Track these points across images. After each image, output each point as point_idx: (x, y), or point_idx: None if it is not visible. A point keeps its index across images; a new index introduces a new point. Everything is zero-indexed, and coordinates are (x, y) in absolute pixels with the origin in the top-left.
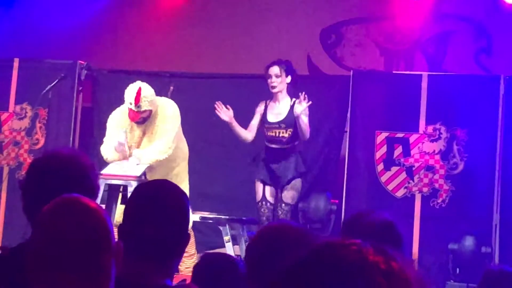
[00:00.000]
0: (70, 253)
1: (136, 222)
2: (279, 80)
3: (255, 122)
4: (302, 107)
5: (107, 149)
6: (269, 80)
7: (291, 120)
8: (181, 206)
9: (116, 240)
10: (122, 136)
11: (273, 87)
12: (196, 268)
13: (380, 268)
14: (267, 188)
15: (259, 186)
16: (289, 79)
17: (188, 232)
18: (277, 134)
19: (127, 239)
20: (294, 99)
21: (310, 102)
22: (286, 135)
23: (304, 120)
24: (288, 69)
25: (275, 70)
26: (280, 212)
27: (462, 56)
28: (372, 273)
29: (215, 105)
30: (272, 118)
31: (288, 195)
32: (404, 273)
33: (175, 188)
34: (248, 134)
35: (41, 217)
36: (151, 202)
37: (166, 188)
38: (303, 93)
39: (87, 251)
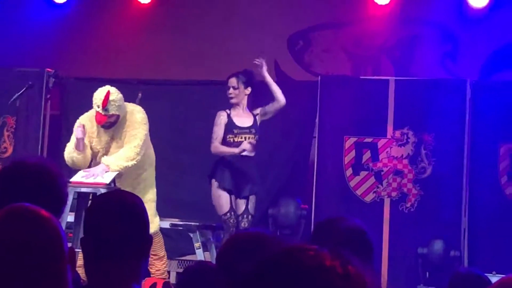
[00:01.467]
0: (21, 263)
1: (96, 232)
2: (236, 92)
3: (221, 132)
4: (264, 66)
5: (68, 152)
6: (228, 92)
7: (257, 127)
8: (137, 210)
9: (69, 246)
10: (79, 131)
11: (231, 98)
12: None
13: (337, 272)
14: (233, 198)
15: (225, 197)
16: (248, 90)
17: (150, 234)
18: (246, 139)
19: (89, 249)
20: (257, 111)
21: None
22: (254, 141)
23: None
24: (248, 81)
25: (232, 82)
26: (245, 223)
27: (429, 60)
28: (329, 277)
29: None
30: (240, 123)
31: (253, 206)
32: (361, 276)
33: (130, 194)
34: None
35: None
36: (108, 210)
37: (120, 195)
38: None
39: (40, 260)
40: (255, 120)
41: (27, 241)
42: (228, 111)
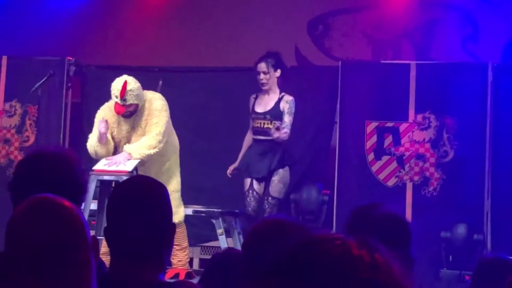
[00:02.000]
0: (46, 253)
1: (119, 220)
2: (267, 77)
3: (250, 118)
4: (278, 134)
5: (91, 144)
6: (258, 77)
7: (276, 112)
8: (161, 198)
9: (92, 235)
10: (102, 126)
11: (263, 84)
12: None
13: (365, 261)
14: (254, 181)
15: (246, 178)
16: (278, 72)
17: (173, 222)
18: (262, 125)
19: (113, 238)
20: (282, 94)
21: (287, 132)
22: (270, 126)
23: (286, 120)
24: (277, 63)
25: (262, 67)
26: (266, 206)
27: (450, 44)
28: (357, 266)
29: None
30: (259, 108)
31: (275, 189)
32: (388, 265)
33: (153, 182)
34: (248, 137)
35: (11, 221)
36: (130, 198)
37: (144, 182)
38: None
39: (65, 249)
40: (276, 104)
41: (51, 231)
42: (257, 94)
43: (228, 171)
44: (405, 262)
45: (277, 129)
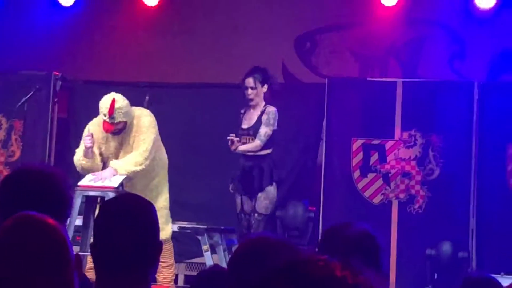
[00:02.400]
0: (29, 272)
1: (105, 237)
2: (255, 92)
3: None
4: (233, 147)
5: (77, 158)
6: (245, 92)
7: (258, 126)
8: (149, 215)
9: (75, 253)
10: (87, 140)
11: (250, 100)
12: (193, 286)
13: (348, 283)
14: (244, 199)
15: (237, 198)
16: (265, 88)
17: (160, 240)
18: (247, 141)
19: (99, 255)
20: (266, 106)
21: (239, 145)
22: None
23: (261, 131)
24: (264, 78)
25: (249, 82)
26: (253, 222)
27: (436, 61)
28: (340, 287)
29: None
30: (244, 124)
31: (262, 205)
32: (370, 286)
33: (140, 199)
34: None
35: None
36: (117, 215)
37: (132, 200)
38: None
39: (47, 268)
40: (258, 118)
41: (34, 249)
42: (243, 111)
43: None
44: (380, 278)
45: (232, 142)
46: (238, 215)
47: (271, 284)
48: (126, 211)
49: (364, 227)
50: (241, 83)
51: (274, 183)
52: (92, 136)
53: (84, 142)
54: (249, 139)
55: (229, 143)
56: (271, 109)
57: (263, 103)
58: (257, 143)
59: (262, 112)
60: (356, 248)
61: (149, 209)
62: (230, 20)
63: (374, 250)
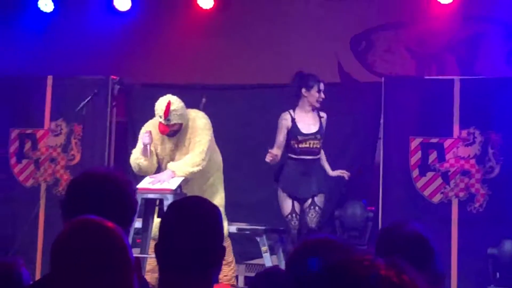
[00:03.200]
0: (90, 276)
1: (171, 238)
2: (323, 96)
3: (282, 138)
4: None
5: (134, 157)
6: (317, 95)
7: (322, 131)
8: (214, 219)
9: (135, 256)
10: (145, 137)
11: (319, 102)
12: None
13: (392, 281)
14: (295, 202)
15: (287, 200)
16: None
17: (223, 245)
18: (311, 145)
19: (164, 255)
20: (321, 114)
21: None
22: (318, 145)
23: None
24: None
25: (322, 86)
26: (313, 214)
27: (494, 58)
28: (384, 286)
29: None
30: (305, 129)
31: (321, 200)
32: (415, 285)
33: (207, 203)
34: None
35: (55, 243)
36: (185, 218)
37: (198, 203)
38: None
39: (107, 270)
40: (321, 124)
41: (93, 252)
42: (292, 113)
43: (268, 157)
44: (432, 278)
45: (272, 156)
46: (288, 216)
47: (320, 283)
48: (193, 213)
49: (416, 228)
50: (312, 84)
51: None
52: (150, 133)
53: (142, 139)
54: (314, 144)
55: (270, 160)
56: (325, 115)
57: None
58: (322, 153)
59: (320, 117)
60: (408, 248)
61: (215, 213)
62: (285, 20)
63: (424, 251)
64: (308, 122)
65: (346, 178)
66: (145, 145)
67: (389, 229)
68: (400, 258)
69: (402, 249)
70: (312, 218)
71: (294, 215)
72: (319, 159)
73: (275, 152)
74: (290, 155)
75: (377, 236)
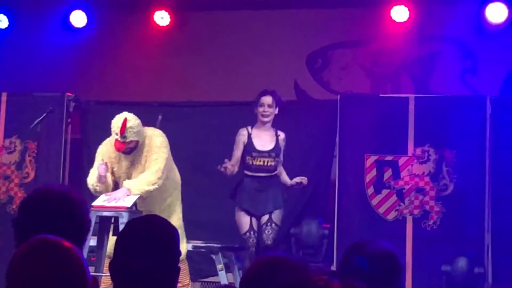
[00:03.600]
0: None
1: (127, 256)
2: (271, 110)
3: (239, 153)
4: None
5: (90, 182)
6: (261, 109)
7: (278, 150)
8: (170, 240)
9: (92, 275)
10: (101, 168)
11: (266, 116)
12: None
13: None
14: (253, 219)
15: (244, 217)
16: (276, 110)
17: (178, 265)
18: (265, 163)
19: (118, 274)
20: (277, 131)
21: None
22: (273, 163)
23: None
24: (277, 101)
25: (268, 99)
26: (270, 231)
27: (448, 77)
28: None
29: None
30: (260, 146)
31: (277, 217)
32: None
33: (164, 223)
34: (234, 168)
35: (11, 263)
36: (141, 236)
37: (155, 222)
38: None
39: None
40: (277, 142)
41: (51, 272)
42: (250, 130)
43: (222, 167)
44: None
45: (225, 168)
46: (246, 234)
47: None
48: (149, 233)
49: (385, 245)
50: (257, 99)
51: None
52: (106, 165)
53: (98, 170)
54: (268, 162)
55: (223, 170)
56: (284, 135)
57: (271, 126)
58: (282, 169)
59: (277, 136)
60: (377, 265)
61: (171, 233)
62: (241, 38)
63: (394, 268)
64: (264, 139)
65: (305, 183)
66: (101, 176)
67: (357, 245)
68: (373, 276)
69: (373, 266)
70: (269, 234)
71: (252, 232)
72: (275, 175)
73: (231, 163)
74: (246, 171)
75: (343, 253)
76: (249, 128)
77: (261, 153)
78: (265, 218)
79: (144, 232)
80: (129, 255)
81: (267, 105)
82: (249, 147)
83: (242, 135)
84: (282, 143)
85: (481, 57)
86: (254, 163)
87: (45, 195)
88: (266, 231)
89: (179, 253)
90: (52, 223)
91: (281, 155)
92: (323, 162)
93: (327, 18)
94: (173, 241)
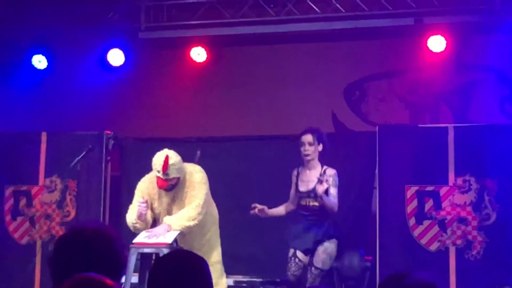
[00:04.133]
0: None
1: None
2: (312, 149)
3: (293, 191)
4: (323, 188)
5: (130, 219)
6: (302, 148)
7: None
8: (201, 271)
9: None
10: (142, 206)
11: (307, 155)
12: None
13: None
14: (298, 251)
15: (291, 249)
16: (320, 147)
17: None
18: (308, 203)
19: None
20: (324, 167)
21: (330, 182)
22: (316, 204)
23: (332, 192)
24: (320, 137)
25: (308, 138)
26: (309, 276)
27: (487, 105)
28: None
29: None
30: (303, 187)
31: (319, 259)
32: None
33: (194, 256)
34: (283, 208)
35: None
36: (172, 271)
37: (184, 256)
38: (325, 174)
39: None
40: (318, 181)
41: None
42: (299, 169)
43: (254, 211)
44: None
45: (320, 182)
46: (289, 259)
47: None
48: (179, 267)
49: (423, 276)
50: (298, 138)
51: (333, 239)
52: (147, 202)
53: (139, 208)
54: (310, 202)
55: (256, 211)
56: (333, 171)
57: (319, 164)
58: (334, 202)
59: (323, 174)
60: None
61: (202, 265)
62: (278, 72)
63: None
64: (307, 179)
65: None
66: (141, 214)
67: (394, 277)
68: None
69: None
70: (309, 279)
71: (293, 258)
72: (321, 215)
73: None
74: (297, 209)
75: (380, 284)
76: (300, 168)
77: (302, 194)
78: (307, 260)
79: (174, 267)
80: None
81: (308, 144)
82: (296, 188)
83: (294, 175)
84: (329, 179)
85: None
86: (301, 203)
87: (80, 233)
88: (307, 276)
89: (211, 284)
90: (87, 260)
91: (330, 190)
92: (364, 194)
93: (363, 49)
94: (203, 272)
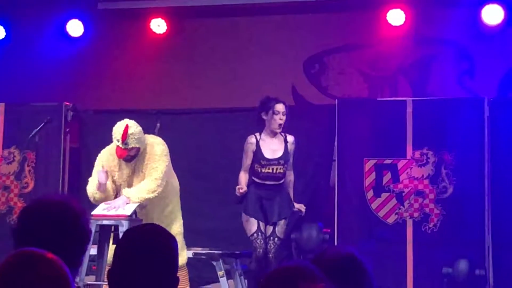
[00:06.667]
0: None
1: (125, 265)
2: (284, 118)
3: (249, 161)
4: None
5: (90, 190)
6: (276, 116)
7: (287, 156)
8: (169, 249)
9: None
10: (101, 176)
11: (280, 125)
12: None
13: None
14: (261, 222)
15: (252, 220)
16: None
17: (177, 276)
18: (274, 171)
19: (118, 283)
20: (284, 135)
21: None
22: (282, 171)
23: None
24: (286, 108)
25: (281, 108)
26: (272, 246)
27: (446, 79)
28: None
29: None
30: (269, 154)
31: (281, 230)
32: None
33: (162, 231)
34: (244, 178)
35: None
36: (139, 246)
37: (153, 231)
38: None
39: None
40: (286, 148)
41: (33, 282)
42: (258, 137)
43: (237, 192)
44: None
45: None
46: (254, 235)
47: None
48: (148, 241)
49: (341, 248)
50: (271, 107)
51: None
52: (106, 173)
53: (98, 177)
54: (277, 169)
55: (239, 192)
56: (292, 138)
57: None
58: (292, 175)
59: (286, 142)
60: (342, 269)
61: (170, 242)
62: (238, 44)
63: (360, 271)
64: (272, 147)
65: (303, 211)
66: (101, 184)
67: (315, 257)
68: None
69: (336, 270)
70: (271, 249)
71: (259, 234)
72: (282, 183)
73: (243, 182)
74: (253, 178)
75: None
76: (257, 135)
77: (270, 161)
78: (269, 230)
79: (142, 241)
80: (127, 264)
81: (282, 113)
82: (257, 154)
83: (251, 143)
84: (291, 147)
85: (478, 59)
86: (263, 170)
87: (45, 205)
88: (268, 246)
89: (177, 260)
90: (52, 234)
91: (291, 160)
92: (322, 166)
93: (323, 23)
94: (171, 249)
